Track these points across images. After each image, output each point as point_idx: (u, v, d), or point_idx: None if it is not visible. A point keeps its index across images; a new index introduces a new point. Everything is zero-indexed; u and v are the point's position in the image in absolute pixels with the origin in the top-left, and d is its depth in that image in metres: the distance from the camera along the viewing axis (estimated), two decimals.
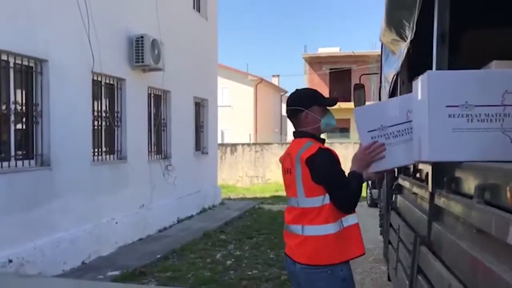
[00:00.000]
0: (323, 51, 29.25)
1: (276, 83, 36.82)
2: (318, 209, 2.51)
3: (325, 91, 27.72)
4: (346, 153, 19.95)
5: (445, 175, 2.24)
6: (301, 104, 2.74)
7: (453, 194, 2.08)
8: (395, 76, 4.15)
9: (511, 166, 1.68)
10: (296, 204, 2.62)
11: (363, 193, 12.56)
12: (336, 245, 2.49)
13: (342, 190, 2.52)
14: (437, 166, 2.36)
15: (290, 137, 21.74)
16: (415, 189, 3.06)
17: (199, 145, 12.11)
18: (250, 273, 6.53)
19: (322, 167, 2.52)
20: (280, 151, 19.83)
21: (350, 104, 28.46)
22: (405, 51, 3.58)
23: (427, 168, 2.67)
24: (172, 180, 9.74)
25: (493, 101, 2.06)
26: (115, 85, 8.09)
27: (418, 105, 2.25)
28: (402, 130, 2.53)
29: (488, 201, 1.63)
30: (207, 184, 12.21)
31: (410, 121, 2.50)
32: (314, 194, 2.53)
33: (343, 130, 26.66)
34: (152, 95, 9.41)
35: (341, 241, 2.51)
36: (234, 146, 19.97)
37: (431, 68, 3.23)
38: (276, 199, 15.01)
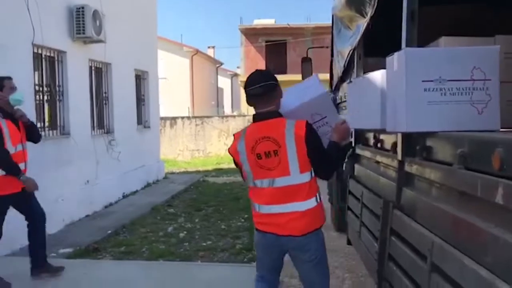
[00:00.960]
0: (259, 22, 29.26)
1: (212, 55, 36.49)
2: (309, 184, 2.68)
3: (261, 64, 27.83)
4: None
5: (416, 144, 2.44)
6: (274, 78, 2.80)
7: (427, 161, 2.28)
8: (351, 51, 4.32)
9: (483, 135, 1.88)
10: (286, 183, 2.67)
11: None
12: (321, 211, 2.77)
13: (327, 160, 2.72)
14: (407, 137, 2.55)
15: (227, 110, 21.67)
16: (378, 158, 3.27)
17: (141, 119, 11.90)
18: (204, 244, 6.64)
19: (317, 141, 2.67)
20: (221, 124, 19.89)
21: (286, 77, 28.64)
22: (364, 27, 3.73)
23: (393, 139, 2.87)
24: (116, 155, 9.56)
25: (463, 76, 2.26)
26: (56, 58, 7.75)
27: (394, 80, 2.41)
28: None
29: (468, 167, 1.81)
30: (151, 159, 12.08)
31: (316, 121, 2.84)
32: (306, 170, 2.67)
33: None
34: (93, 68, 9.10)
35: (322, 207, 2.79)
36: (173, 119, 19.72)
37: (394, 45, 3.42)
38: (219, 171, 15.14)
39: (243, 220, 8.05)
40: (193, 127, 19.63)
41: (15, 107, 4.78)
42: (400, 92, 2.30)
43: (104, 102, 9.62)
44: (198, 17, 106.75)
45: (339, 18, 4.92)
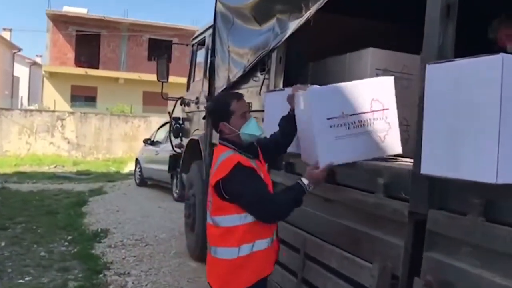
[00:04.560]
0: (69, 10, 26.73)
1: (8, 38, 32.13)
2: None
3: (70, 54, 25.53)
4: (101, 125, 18.86)
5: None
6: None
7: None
8: (264, 52, 3.54)
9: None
10: None
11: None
12: None
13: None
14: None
15: (25, 102, 18.82)
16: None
17: None
18: (22, 281, 4.86)
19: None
20: (23, 119, 17.56)
21: (98, 72, 26.69)
22: (299, 24, 2.99)
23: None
24: None
25: (363, 108, 2.42)
26: None
27: (304, 116, 2.54)
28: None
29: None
30: None
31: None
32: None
33: (89, 99, 25.02)
34: None
35: None
36: None
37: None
38: (21, 176, 13.18)
39: (66, 243, 6.37)
40: None
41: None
42: (310, 129, 2.45)
43: None
44: None
45: (233, 9, 4.16)
